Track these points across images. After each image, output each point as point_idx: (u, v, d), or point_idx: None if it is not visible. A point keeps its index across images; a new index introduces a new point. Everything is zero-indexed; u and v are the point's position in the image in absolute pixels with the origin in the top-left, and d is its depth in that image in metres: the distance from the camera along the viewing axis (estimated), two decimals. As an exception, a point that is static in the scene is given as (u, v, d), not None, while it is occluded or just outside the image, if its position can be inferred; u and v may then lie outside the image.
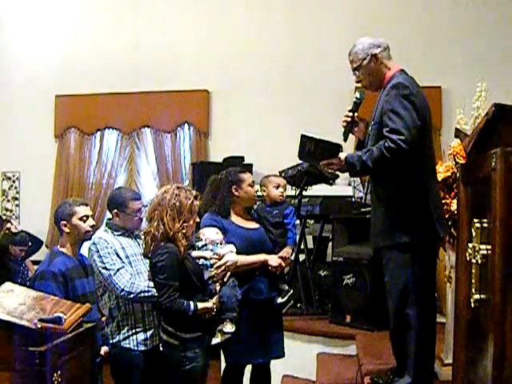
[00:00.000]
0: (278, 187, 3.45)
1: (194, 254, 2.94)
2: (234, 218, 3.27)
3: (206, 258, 2.93)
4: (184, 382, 2.82)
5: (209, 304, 2.81)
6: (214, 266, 2.93)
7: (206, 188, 3.32)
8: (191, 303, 2.74)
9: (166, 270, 2.73)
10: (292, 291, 3.34)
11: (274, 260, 3.22)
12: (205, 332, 2.84)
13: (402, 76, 2.64)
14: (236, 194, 3.24)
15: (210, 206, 3.24)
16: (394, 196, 2.62)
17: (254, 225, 3.33)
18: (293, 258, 3.62)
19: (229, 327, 2.86)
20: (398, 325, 2.63)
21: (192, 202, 2.84)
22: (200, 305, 2.77)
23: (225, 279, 2.93)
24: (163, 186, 2.98)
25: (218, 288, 2.89)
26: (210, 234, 3.06)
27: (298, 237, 3.48)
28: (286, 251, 3.31)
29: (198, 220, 2.95)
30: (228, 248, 3.02)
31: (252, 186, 3.28)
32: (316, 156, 2.81)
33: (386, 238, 2.65)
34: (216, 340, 2.87)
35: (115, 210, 3.23)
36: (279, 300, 3.28)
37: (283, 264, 3.26)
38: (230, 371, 3.30)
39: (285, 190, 3.49)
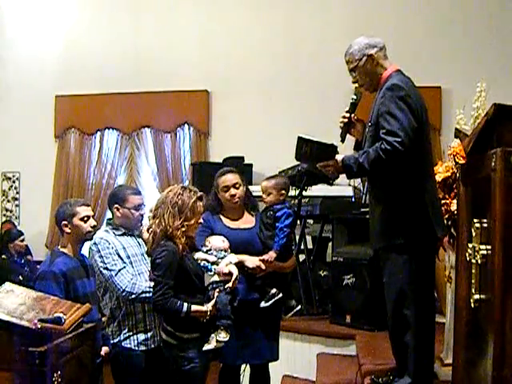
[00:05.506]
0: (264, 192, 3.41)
1: (198, 255, 2.94)
2: (224, 218, 3.28)
3: (208, 261, 2.93)
4: (183, 382, 2.82)
5: (204, 308, 2.79)
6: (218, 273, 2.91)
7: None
8: (185, 304, 2.74)
9: (162, 268, 2.75)
10: (281, 295, 3.20)
11: (250, 262, 3.13)
12: (204, 333, 2.83)
13: (398, 77, 2.62)
14: (219, 196, 3.28)
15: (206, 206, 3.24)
16: (391, 197, 2.61)
17: (245, 225, 3.30)
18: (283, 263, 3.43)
19: (223, 335, 2.80)
20: (397, 325, 2.62)
21: (195, 201, 2.85)
22: (194, 307, 2.76)
23: (226, 286, 2.88)
24: (169, 187, 3.02)
25: (216, 294, 2.86)
26: (216, 241, 3.05)
27: (283, 242, 3.19)
28: (270, 255, 3.17)
29: (201, 221, 2.94)
30: (225, 261, 2.95)
31: (227, 190, 3.22)
32: (312, 158, 2.79)
33: (383, 239, 2.65)
34: (208, 346, 2.81)
35: (115, 205, 3.22)
36: (262, 304, 3.16)
37: (262, 267, 3.14)
38: (224, 372, 3.30)
39: (269, 194, 3.31)
